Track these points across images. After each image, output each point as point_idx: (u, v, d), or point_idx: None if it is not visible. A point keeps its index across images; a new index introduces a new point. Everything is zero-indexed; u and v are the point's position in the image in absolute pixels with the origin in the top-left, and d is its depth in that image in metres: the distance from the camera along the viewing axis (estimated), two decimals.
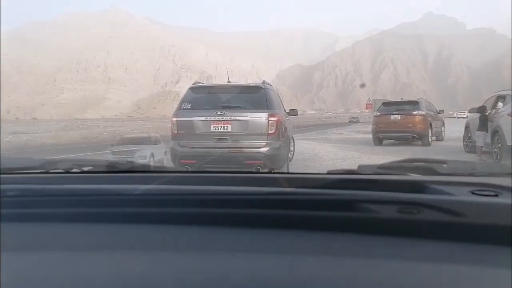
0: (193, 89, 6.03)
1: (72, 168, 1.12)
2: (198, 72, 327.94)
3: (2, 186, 0.83)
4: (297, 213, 0.68)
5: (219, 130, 5.43)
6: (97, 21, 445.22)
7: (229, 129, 5.42)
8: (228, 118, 5.41)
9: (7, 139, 20.87)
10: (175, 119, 5.66)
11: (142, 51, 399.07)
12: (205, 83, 7.09)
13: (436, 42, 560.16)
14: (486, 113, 9.19)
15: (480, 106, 9.67)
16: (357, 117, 64.98)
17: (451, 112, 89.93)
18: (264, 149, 5.31)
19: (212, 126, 5.45)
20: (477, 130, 9.13)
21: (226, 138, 5.42)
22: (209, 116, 5.45)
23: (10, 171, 1.10)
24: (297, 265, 0.51)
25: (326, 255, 0.55)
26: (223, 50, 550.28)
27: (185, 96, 5.94)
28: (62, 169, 1.12)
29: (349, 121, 56.95)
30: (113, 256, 0.56)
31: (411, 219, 0.64)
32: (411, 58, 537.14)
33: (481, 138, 8.86)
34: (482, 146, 8.85)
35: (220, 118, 5.42)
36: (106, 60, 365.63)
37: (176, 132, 5.63)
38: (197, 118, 5.52)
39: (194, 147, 5.49)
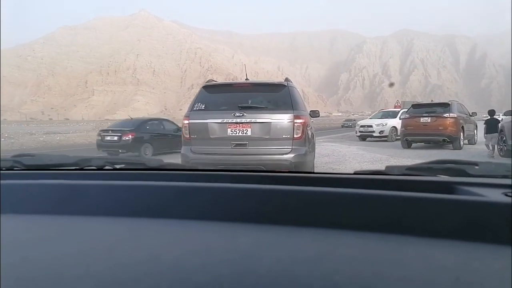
0: (208, 87, 5.31)
1: (105, 165, 1.17)
2: (224, 74, 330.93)
3: (39, 181, 0.89)
4: (322, 211, 0.68)
5: (237, 134, 4.82)
6: (127, 24, 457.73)
7: (249, 133, 4.81)
8: (248, 120, 4.79)
9: (42, 138, 21.79)
10: (186, 121, 5.02)
11: (169, 53, 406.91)
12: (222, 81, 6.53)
13: (468, 42, 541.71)
14: (495, 116, 10.82)
15: (490, 110, 11.08)
16: (354, 120, 49.10)
17: (485, 115, 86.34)
18: (289, 156, 4.72)
19: (229, 130, 4.84)
20: (487, 134, 10.38)
21: (245, 144, 4.81)
22: (226, 118, 4.84)
23: (47, 167, 1.17)
24: (321, 262, 0.51)
25: (352, 253, 0.55)
26: (249, 52, 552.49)
27: (198, 95, 5.25)
28: (96, 166, 1.17)
29: (342, 125, 44.54)
30: (143, 249, 0.57)
31: (440, 220, 0.63)
32: (441, 59, 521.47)
33: (492, 139, 10.18)
34: (494, 145, 10.15)
35: (238, 120, 4.80)
36: (135, 63, 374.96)
37: (188, 136, 4.99)
38: (212, 121, 4.88)
39: (208, 154, 4.87)
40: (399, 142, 15.18)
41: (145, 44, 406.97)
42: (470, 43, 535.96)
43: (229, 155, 4.83)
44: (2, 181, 0.86)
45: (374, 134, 17.38)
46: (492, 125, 10.32)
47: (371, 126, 17.73)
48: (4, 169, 1.13)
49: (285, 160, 4.70)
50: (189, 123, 4.99)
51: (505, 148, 9.79)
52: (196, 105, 5.09)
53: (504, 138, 9.96)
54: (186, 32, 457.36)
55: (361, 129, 18.18)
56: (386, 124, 17.41)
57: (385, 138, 17.09)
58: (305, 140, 4.85)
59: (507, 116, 11.11)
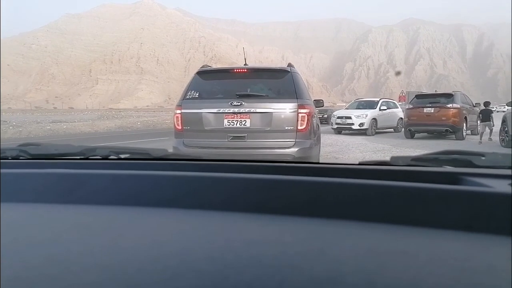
0: (202, 73, 4.84)
1: (109, 155, 1.17)
2: (227, 63, 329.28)
3: (44, 170, 0.89)
4: (327, 201, 0.68)
5: (235, 125, 4.40)
6: (130, 12, 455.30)
7: (248, 124, 4.38)
8: (247, 110, 4.36)
9: (49, 127, 21.97)
10: (179, 111, 4.58)
11: (173, 42, 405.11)
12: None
13: (475, 31, 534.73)
14: (489, 107, 12.31)
15: (485, 101, 12.54)
16: (331, 109, 30.64)
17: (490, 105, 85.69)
18: (292, 150, 4.30)
19: (225, 121, 4.41)
20: (482, 122, 11.75)
21: (244, 136, 4.39)
22: (222, 108, 4.40)
23: (52, 157, 1.17)
24: (326, 252, 0.51)
25: (356, 244, 0.55)
26: (253, 41, 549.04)
27: (192, 82, 4.78)
28: (100, 156, 1.17)
29: None
30: (147, 238, 0.58)
31: (446, 210, 0.63)
32: (448, 49, 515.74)
33: (484, 127, 11.66)
34: (482, 132, 11.69)
35: (236, 110, 4.37)
36: (139, 52, 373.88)
37: (180, 127, 4.56)
38: (207, 110, 4.44)
39: (203, 147, 4.44)
40: (388, 135, 15.24)
41: (148, 32, 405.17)
42: (477, 32, 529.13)
43: (225, 149, 4.42)
44: (7, 170, 0.87)
45: (353, 127, 15.32)
46: (486, 115, 11.70)
47: (350, 118, 15.52)
48: (10, 158, 1.14)
49: (288, 154, 4.30)
50: (181, 113, 4.56)
51: (507, 138, 9.90)
52: (189, 93, 4.64)
53: (506, 129, 10.06)
54: (189, 21, 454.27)
55: (338, 121, 15.97)
56: (366, 116, 15.29)
57: (364, 132, 15.23)
58: (310, 132, 4.42)
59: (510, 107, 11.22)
